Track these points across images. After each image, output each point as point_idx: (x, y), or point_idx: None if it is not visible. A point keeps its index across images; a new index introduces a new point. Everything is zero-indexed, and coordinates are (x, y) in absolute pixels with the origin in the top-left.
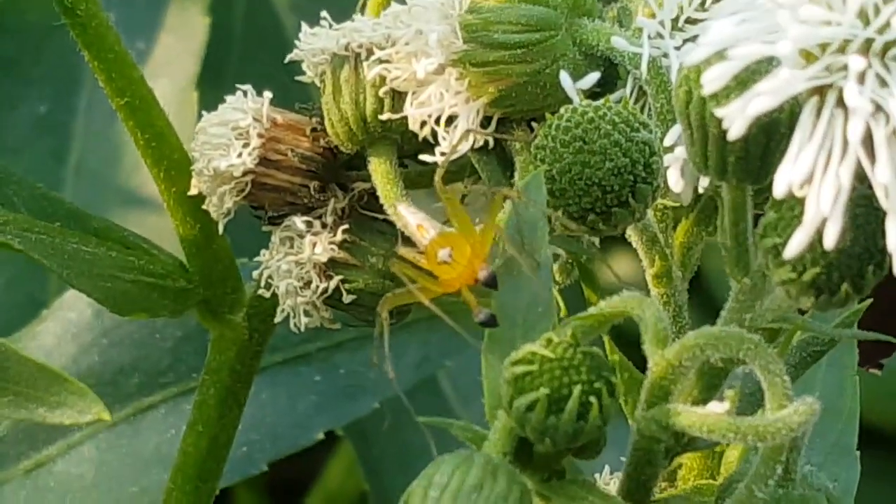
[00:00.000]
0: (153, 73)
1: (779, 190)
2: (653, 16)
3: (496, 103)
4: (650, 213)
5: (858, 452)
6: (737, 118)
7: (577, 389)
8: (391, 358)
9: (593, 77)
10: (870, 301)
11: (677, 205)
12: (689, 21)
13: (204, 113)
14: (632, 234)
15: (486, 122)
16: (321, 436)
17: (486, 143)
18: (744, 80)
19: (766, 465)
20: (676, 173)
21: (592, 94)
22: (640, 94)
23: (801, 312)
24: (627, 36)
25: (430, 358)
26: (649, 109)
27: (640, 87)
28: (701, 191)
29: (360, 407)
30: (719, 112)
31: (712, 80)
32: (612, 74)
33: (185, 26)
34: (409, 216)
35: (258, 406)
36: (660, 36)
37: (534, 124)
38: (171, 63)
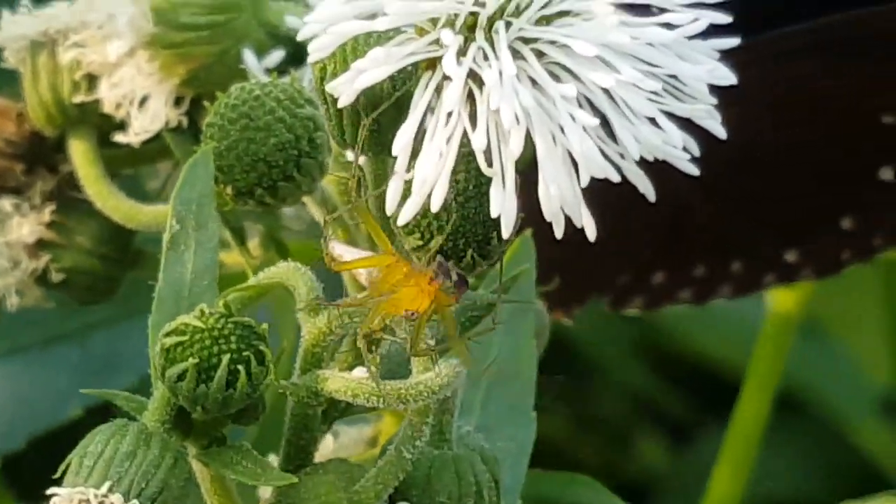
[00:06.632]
0: None
1: (399, 164)
2: None
3: (187, 84)
4: (330, 185)
5: (534, 413)
6: (344, 91)
7: (225, 358)
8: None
9: (277, 55)
10: (527, 266)
11: None
12: None
13: None
14: (312, 207)
15: (180, 102)
16: (79, 412)
17: (181, 122)
18: (352, 55)
19: (412, 427)
20: None
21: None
22: None
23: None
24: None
25: None
26: None
27: None
28: None
29: (118, 383)
30: (328, 86)
31: (312, 53)
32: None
33: None
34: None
35: (16, 384)
36: None
37: None
38: None
